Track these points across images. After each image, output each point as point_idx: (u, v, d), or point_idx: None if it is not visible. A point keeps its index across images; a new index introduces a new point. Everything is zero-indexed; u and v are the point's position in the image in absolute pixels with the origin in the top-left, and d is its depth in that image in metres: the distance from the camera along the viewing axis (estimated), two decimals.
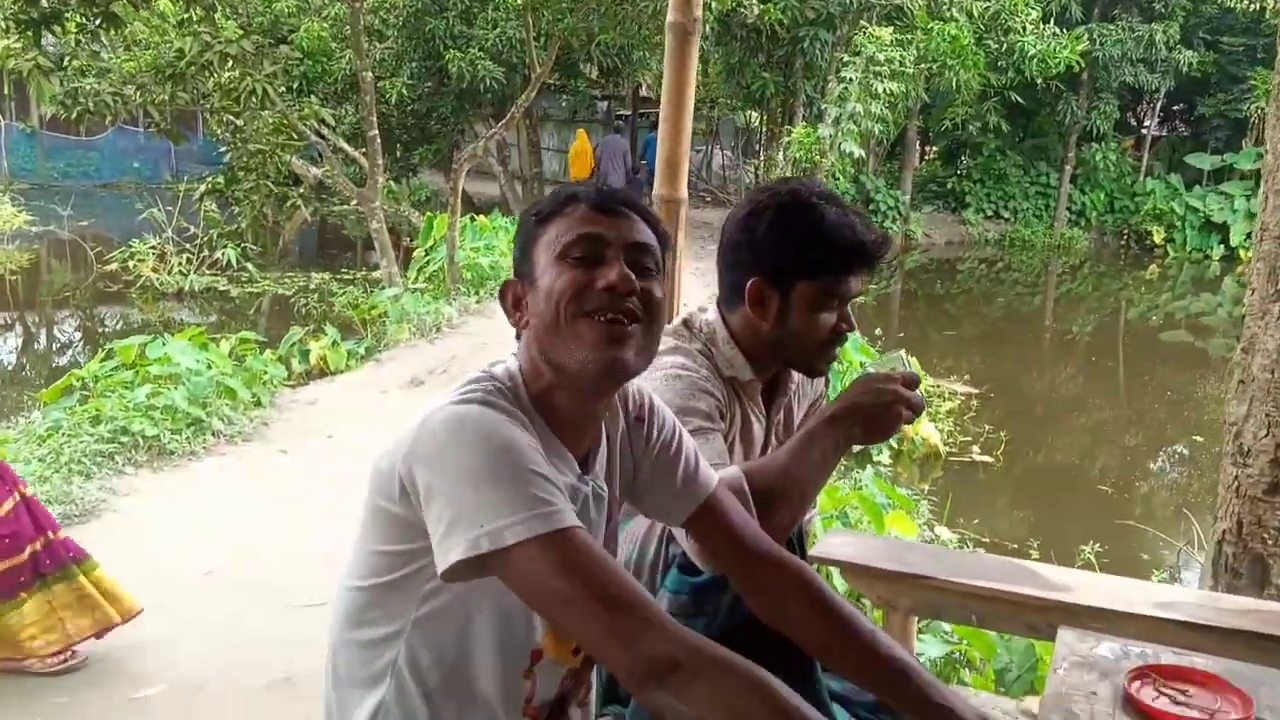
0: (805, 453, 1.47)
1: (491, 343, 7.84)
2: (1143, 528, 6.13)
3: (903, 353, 1.61)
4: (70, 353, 9.49)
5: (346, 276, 12.43)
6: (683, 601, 1.43)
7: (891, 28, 13.34)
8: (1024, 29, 15.64)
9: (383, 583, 1.21)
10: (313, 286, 11.75)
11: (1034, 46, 15.44)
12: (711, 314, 1.72)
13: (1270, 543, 2.66)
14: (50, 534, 3.07)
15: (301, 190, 12.01)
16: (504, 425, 1.13)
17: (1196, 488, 7.51)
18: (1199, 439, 8.48)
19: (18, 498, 3.01)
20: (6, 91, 20.05)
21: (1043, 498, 7.09)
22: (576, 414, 1.25)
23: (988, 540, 5.77)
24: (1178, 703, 1.33)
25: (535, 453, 1.12)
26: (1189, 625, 1.98)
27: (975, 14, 15.11)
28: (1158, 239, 19.43)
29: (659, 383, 1.57)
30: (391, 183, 14.99)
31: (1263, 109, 18.34)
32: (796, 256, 1.57)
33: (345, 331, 8.63)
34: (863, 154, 13.90)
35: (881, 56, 12.44)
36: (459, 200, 10.13)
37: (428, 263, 10.80)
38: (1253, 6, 17.34)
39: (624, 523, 1.56)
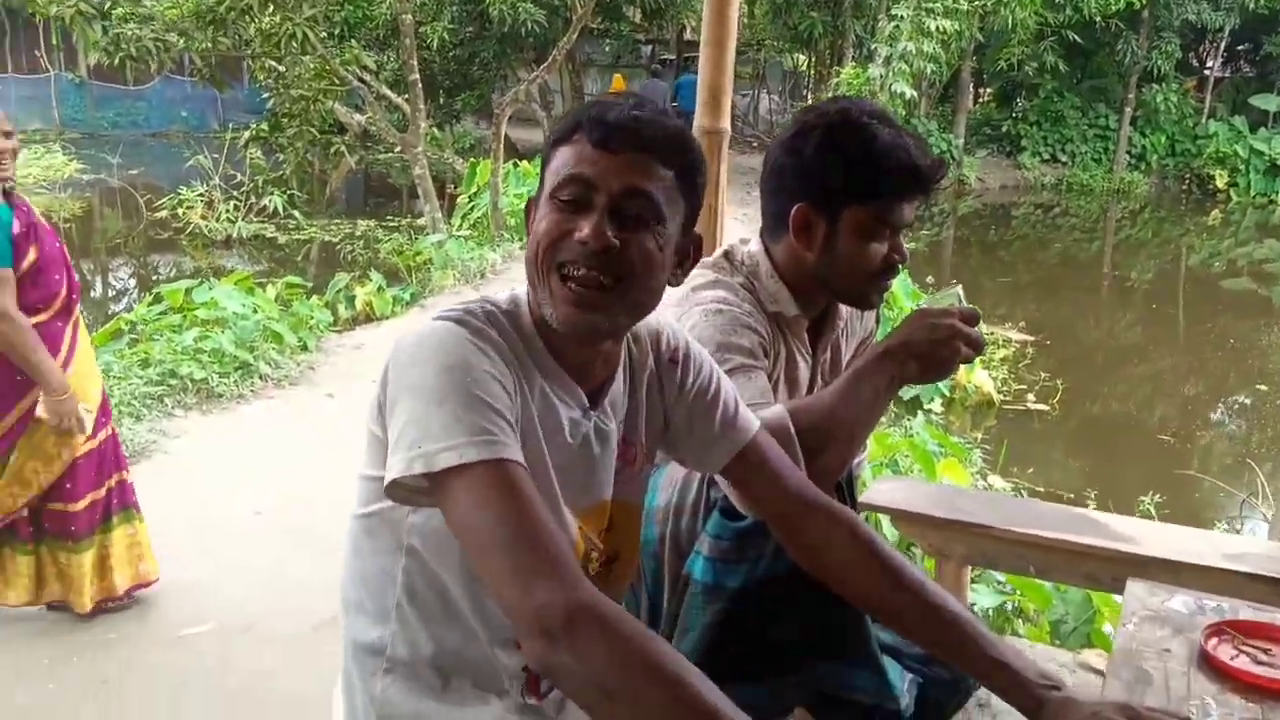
0: (855, 391, 1.38)
1: None
2: (1204, 478, 5.96)
3: (959, 288, 1.50)
4: (125, 299, 9.61)
5: (392, 224, 12.43)
6: (724, 547, 1.37)
7: None
8: None
9: (373, 511, 1.18)
10: (359, 233, 11.77)
11: None
12: (754, 245, 1.62)
13: None
14: (123, 473, 3.10)
15: (346, 138, 11.99)
16: (463, 346, 1.07)
17: (1259, 438, 7.30)
18: (1263, 388, 8.23)
19: (110, 430, 3.04)
20: (55, 42, 20.26)
21: (1100, 447, 6.92)
22: (576, 349, 1.19)
23: (1042, 490, 5.65)
24: (1259, 662, 1.24)
25: (492, 380, 1.06)
26: (1262, 579, 1.88)
27: None
28: (1220, 183, 18.74)
29: (698, 318, 1.48)
30: (435, 129, 14.91)
31: None
32: (845, 180, 1.46)
33: (390, 278, 8.62)
34: (914, 95, 13.54)
35: None
36: (501, 146, 10.05)
37: (471, 209, 10.76)
38: None
39: (660, 467, 1.49)
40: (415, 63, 9.50)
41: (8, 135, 2.73)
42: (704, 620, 1.37)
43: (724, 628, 1.36)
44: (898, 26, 12.45)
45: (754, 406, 1.35)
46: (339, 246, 11.17)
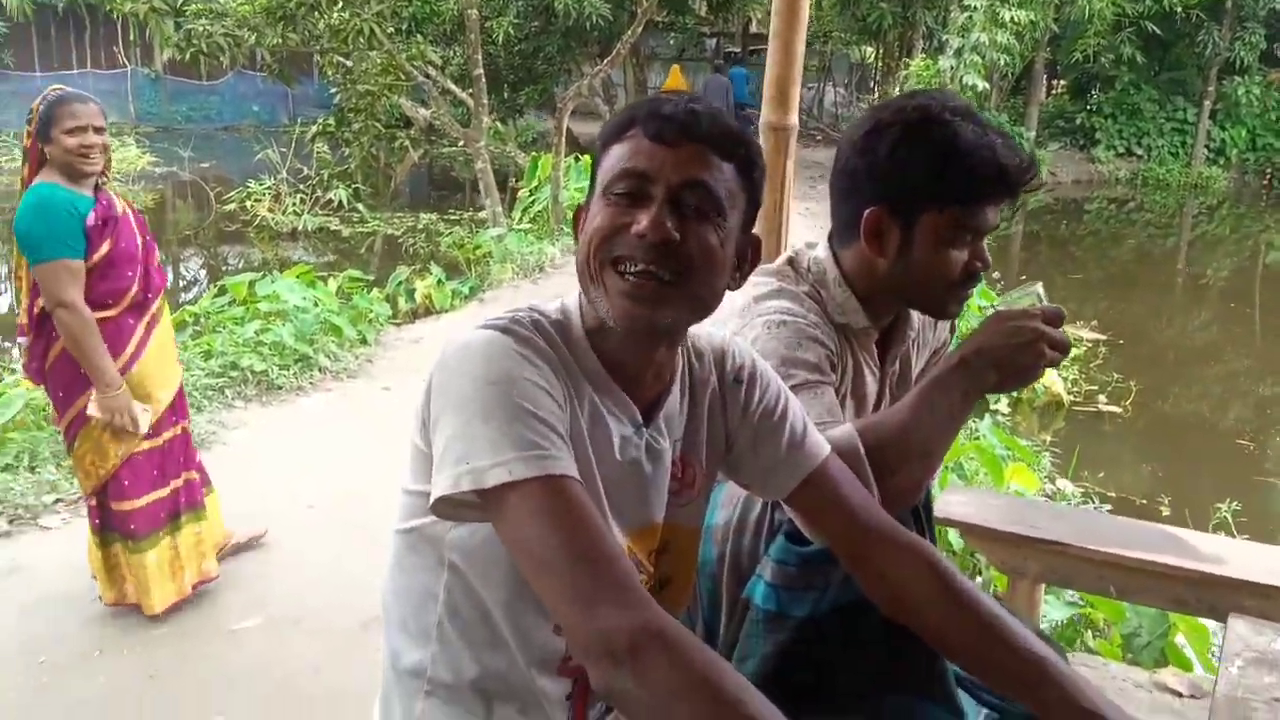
0: (929, 405, 1.27)
1: None
2: None
3: (1039, 287, 1.37)
4: (194, 290, 9.77)
5: (453, 217, 12.49)
6: (789, 573, 1.27)
7: None
8: None
9: (415, 526, 1.13)
10: (420, 227, 11.84)
11: None
12: (821, 251, 1.51)
13: None
14: (195, 473, 3.11)
15: (411, 132, 12.06)
16: (510, 356, 1.02)
17: None
18: None
19: (179, 430, 3.05)
20: (132, 38, 20.75)
21: (1174, 451, 6.66)
22: (630, 359, 1.12)
23: (1114, 495, 5.45)
24: None
25: (540, 391, 1.01)
26: None
27: None
28: None
29: (760, 330, 1.39)
30: (498, 123, 14.95)
31: None
32: (924, 182, 1.34)
33: (450, 271, 8.63)
34: (986, 87, 13.22)
35: None
36: (563, 139, 10.00)
37: (532, 203, 10.74)
38: None
39: (721, 484, 1.40)
40: (480, 57, 9.50)
41: (99, 130, 2.74)
42: (764, 649, 1.28)
43: (786, 657, 1.26)
44: (970, 17, 12.16)
45: (821, 426, 1.26)
46: (401, 240, 11.24)
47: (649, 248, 1.03)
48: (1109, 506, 5.05)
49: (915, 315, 1.58)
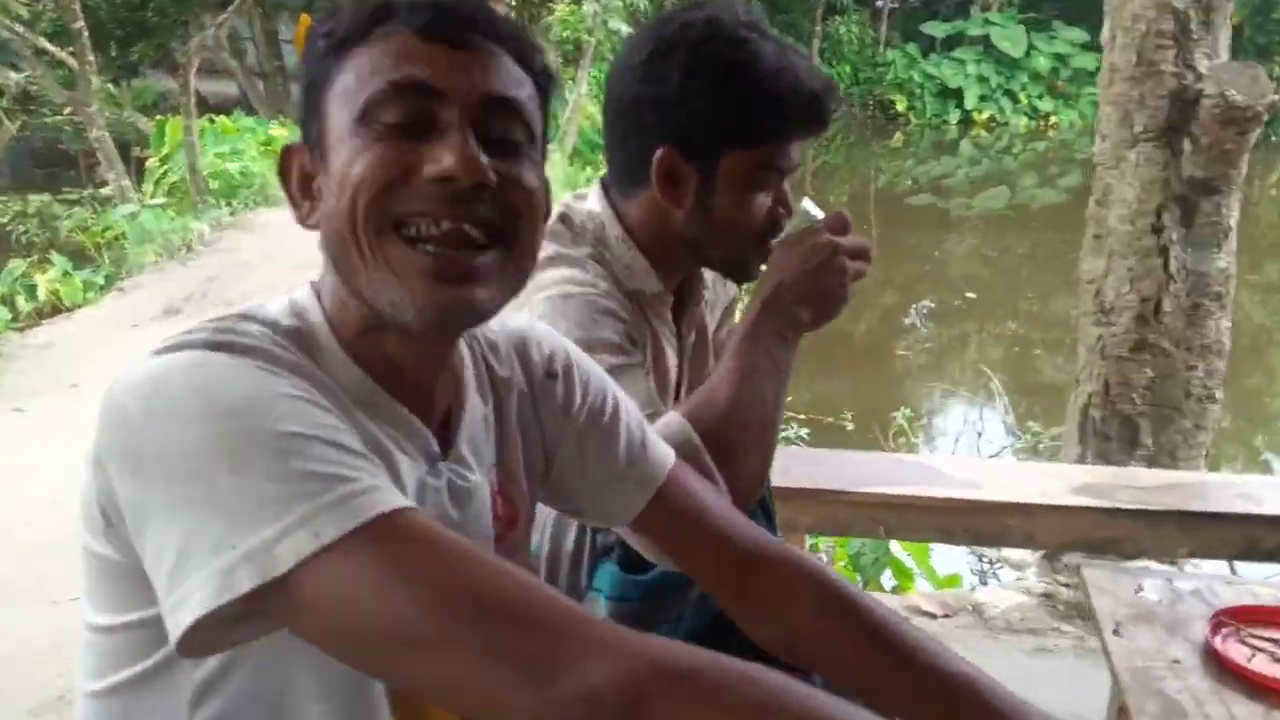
0: (751, 366, 1.10)
1: (255, 259, 7.00)
2: (949, 387, 6.29)
3: (807, 201, 1.20)
4: None
5: (70, 196, 10.84)
6: (629, 609, 1.06)
7: None
8: None
9: (124, 682, 0.74)
10: (31, 211, 10.16)
11: None
12: (596, 204, 1.25)
13: (1139, 402, 2.59)
14: None
15: (3, 102, 10.31)
16: (243, 373, 0.69)
17: (980, 342, 7.85)
18: (971, 295, 8.86)
19: None
20: None
21: (839, 367, 7.14)
22: (414, 365, 0.81)
23: (803, 416, 5.74)
24: (1278, 659, 1.10)
25: (314, 408, 0.69)
26: (1119, 512, 1.82)
27: None
28: (900, 107, 20.26)
29: (542, 308, 1.13)
30: (110, 85, 13.18)
31: None
32: (725, 116, 1.13)
33: (77, 259, 7.52)
34: (629, 29, 13.44)
35: None
36: (192, 100, 8.95)
37: (165, 173, 9.58)
38: None
39: None
40: (78, 8, 8.23)
41: None
42: None
43: None
44: None
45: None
46: (9, 228, 9.62)
47: (454, 196, 0.73)
48: (807, 430, 5.31)
49: (707, 272, 1.37)
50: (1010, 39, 19.44)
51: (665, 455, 0.97)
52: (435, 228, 0.73)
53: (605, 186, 1.26)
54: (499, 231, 0.76)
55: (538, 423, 0.94)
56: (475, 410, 0.88)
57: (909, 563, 3.36)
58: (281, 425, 0.65)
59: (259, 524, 0.61)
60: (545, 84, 0.82)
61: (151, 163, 10.03)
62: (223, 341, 0.70)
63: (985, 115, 19.48)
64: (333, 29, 0.77)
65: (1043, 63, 19.48)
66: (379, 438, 0.78)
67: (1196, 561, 2.11)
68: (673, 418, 1.07)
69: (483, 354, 0.92)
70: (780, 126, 1.15)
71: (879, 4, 22.30)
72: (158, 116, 10.96)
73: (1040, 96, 19.67)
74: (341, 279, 0.78)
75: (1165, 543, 1.79)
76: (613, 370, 1.05)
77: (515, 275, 0.79)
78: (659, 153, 1.16)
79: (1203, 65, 2.34)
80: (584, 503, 0.99)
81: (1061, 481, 1.96)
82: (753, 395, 1.09)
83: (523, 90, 0.78)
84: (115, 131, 9.83)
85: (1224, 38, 2.39)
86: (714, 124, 1.14)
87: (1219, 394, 2.64)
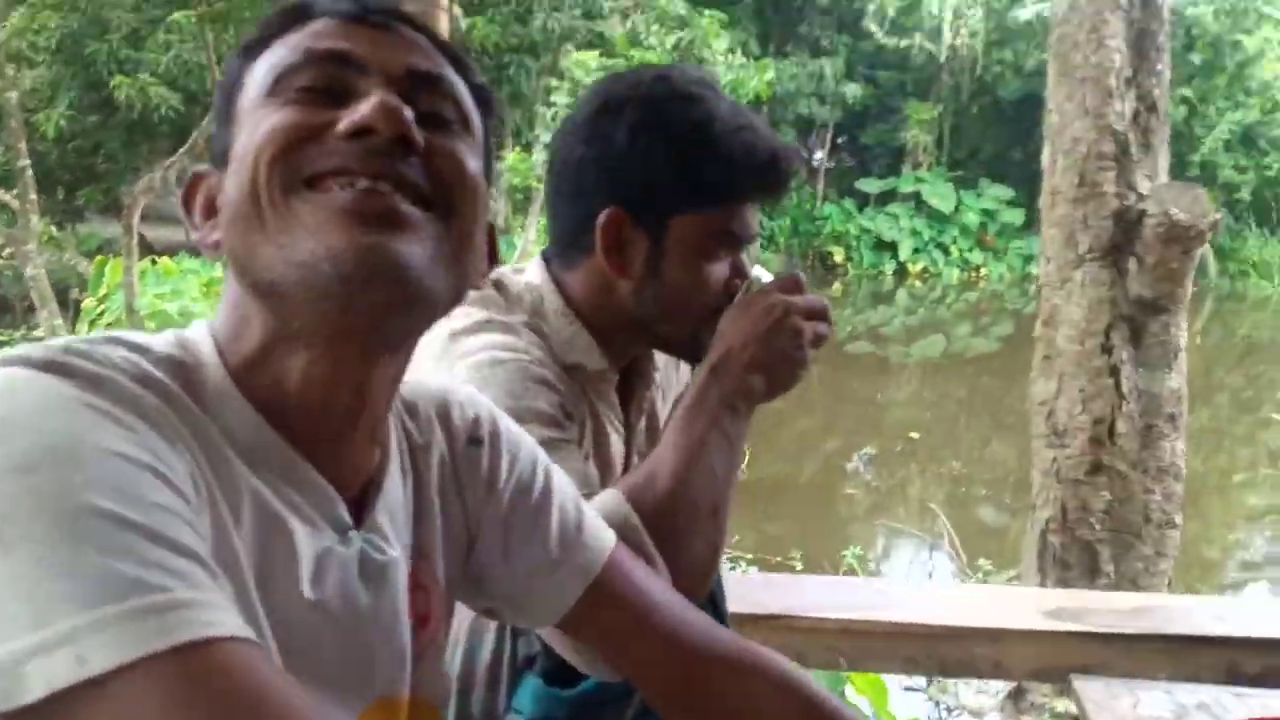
0: (698, 439, 0.97)
1: None
2: (900, 526, 6.20)
3: (759, 269, 1.12)
4: None
5: (2, 339, 10.61)
6: None
7: (596, 52, 13.42)
8: (715, 58, 16.27)
9: None
10: None
11: (725, 75, 16.09)
12: (535, 275, 1.15)
13: (1098, 527, 2.50)
14: None
15: None
16: (68, 408, 0.53)
17: (924, 481, 7.81)
18: (914, 435, 8.89)
19: None
20: None
21: (788, 508, 7.05)
22: (328, 398, 0.66)
23: (750, 555, 5.58)
24: None
25: (142, 471, 0.53)
26: (1093, 636, 1.69)
27: (670, 45, 15.54)
28: (838, 259, 21.09)
29: (466, 375, 1.00)
30: (53, 229, 13.13)
31: (917, 136, 20.60)
32: (676, 175, 1.04)
33: None
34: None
35: (589, 80, 12.44)
36: (134, 239, 8.86)
37: (101, 313, 9.40)
38: (902, 43, 19.41)
39: None
40: (24, 147, 8.22)
41: None
42: None
43: None
44: (556, 112, 12.72)
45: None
46: None
47: (372, 151, 0.62)
48: (755, 567, 5.14)
49: (658, 355, 1.26)
50: (940, 195, 20.37)
51: (604, 538, 0.84)
52: (351, 187, 0.62)
53: (546, 259, 1.15)
54: (428, 200, 0.64)
55: (459, 497, 0.80)
56: (395, 477, 0.74)
57: (866, 708, 3.17)
58: (88, 495, 0.49)
59: (13, 627, 0.45)
60: (482, 95, 0.73)
61: (88, 303, 9.85)
62: (61, 363, 0.55)
63: (919, 266, 20.21)
64: (250, 38, 0.70)
65: (971, 218, 20.41)
66: (268, 500, 0.63)
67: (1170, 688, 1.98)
68: (609, 496, 0.93)
69: (399, 413, 0.78)
70: (736, 187, 1.06)
71: (815, 163, 23.38)
72: (100, 258, 10.83)
73: (970, 249, 20.51)
74: (240, 271, 0.64)
75: (1143, 668, 1.66)
76: (545, 444, 0.91)
77: (453, 257, 0.66)
78: (604, 215, 1.06)
79: (1144, 186, 2.37)
80: (507, 597, 0.83)
81: (1031, 605, 1.84)
82: (701, 472, 0.97)
83: (452, 77, 0.70)
84: (57, 276, 9.72)
85: (1163, 160, 2.44)
86: (664, 183, 1.05)
87: (1178, 519, 2.57)
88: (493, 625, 1.02)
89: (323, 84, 0.64)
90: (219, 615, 0.49)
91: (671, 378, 1.35)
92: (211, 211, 0.68)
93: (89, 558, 0.47)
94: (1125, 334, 2.45)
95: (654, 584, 0.84)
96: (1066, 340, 2.56)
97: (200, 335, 0.67)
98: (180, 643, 0.47)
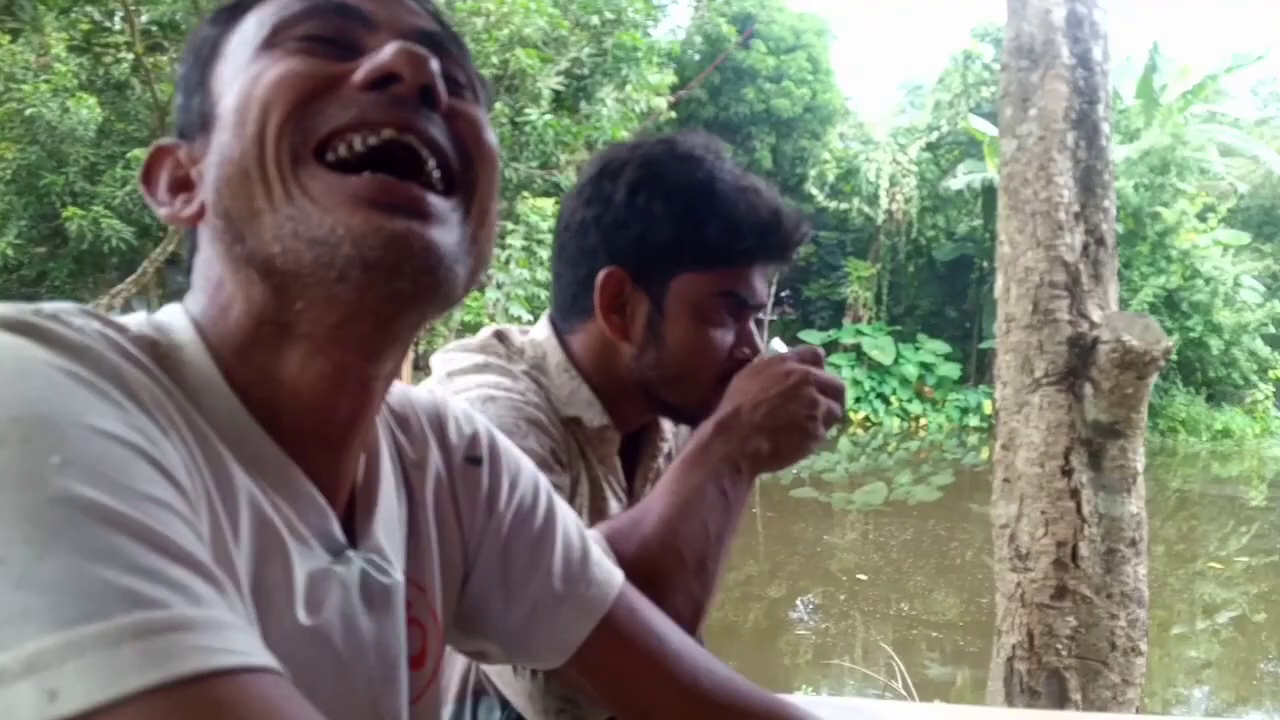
0: (693, 491, 0.93)
1: None
2: (854, 666, 6.11)
3: (775, 340, 1.10)
4: None
5: None
6: None
7: (552, 200, 13.80)
8: None
9: None
10: None
11: None
12: (540, 332, 1.11)
13: (1065, 654, 2.49)
14: None
15: None
16: (44, 373, 0.43)
17: (871, 622, 7.73)
18: (862, 577, 8.86)
19: None
20: None
21: (732, 651, 6.93)
22: (328, 394, 0.58)
23: None
24: None
25: (135, 455, 0.43)
26: None
27: None
28: None
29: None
30: None
31: (857, 292, 21.43)
32: (675, 234, 1.01)
33: None
34: (531, 318, 13.97)
35: (545, 225, 12.76)
36: None
37: None
38: (842, 206, 20.67)
39: None
40: None
41: None
42: None
43: None
44: (511, 255, 12.97)
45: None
46: None
47: (397, 100, 0.55)
48: None
49: (668, 424, 1.22)
50: (880, 348, 20.95)
51: (612, 574, 0.78)
52: (374, 137, 0.55)
53: (553, 321, 1.13)
54: (451, 176, 0.58)
55: (456, 519, 0.72)
56: (389, 492, 0.66)
57: None
58: (64, 479, 0.39)
59: (23, 638, 0.35)
60: (478, 84, 0.67)
61: None
62: (34, 324, 0.46)
63: (861, 415, 20.52)
64: (229, 1, 0.62)
65: (910, 370, 20.95)
66: (264, 508, 0.54)
67: None
68: (590, 535, 0.90)
69: (390, 426, 0.70)
70: (738, 246, 1.03)
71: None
72: None
73: (910, 400, 20.96)
74: (231, 241, 0.55)
75: None
76: None
77: (474, 250, 0.59)
78: (603, 274, 1.03)
79: (1096, 315, 2.47)
80: (505, 635, 0.75)
81: None
82: (691, 522, 0.91)
83: (463, 55, 0.64)
84: None
85: (1113, 291, 2.55)
86: (663, 241, 1.02)
87: (1143, 645, 2.56)
88: (459, 660, 0.94)
89: (329, 33, 0.58)
90: (231, 639, 0.39)
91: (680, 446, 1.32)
92: (181, 186, 0.61)
93: (64, 560, 0.37)
94: (1084, 458, 2.50)
95: (669, 628, 0.79)
96: (1026, 463, 2.61)
97: (175, 318, 0.59)
98: (181, 675, 0.37)
